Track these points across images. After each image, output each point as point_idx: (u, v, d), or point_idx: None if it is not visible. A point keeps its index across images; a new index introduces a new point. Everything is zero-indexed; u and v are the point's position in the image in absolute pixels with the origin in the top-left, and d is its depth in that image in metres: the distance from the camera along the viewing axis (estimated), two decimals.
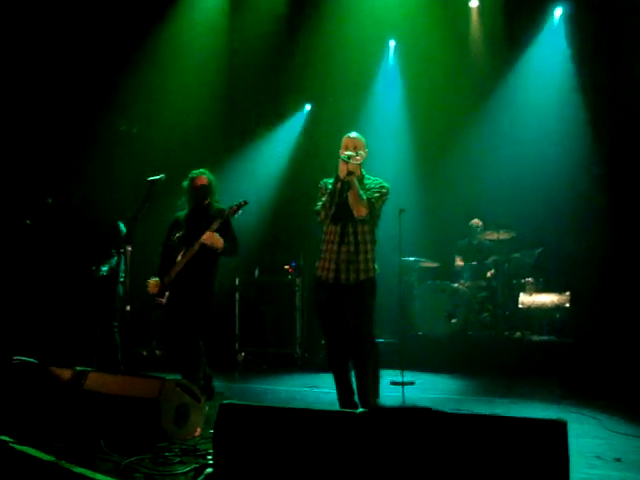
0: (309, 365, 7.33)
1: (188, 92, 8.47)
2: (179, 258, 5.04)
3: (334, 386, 4.40)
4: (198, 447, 3.48)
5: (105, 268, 6.00)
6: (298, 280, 7.81)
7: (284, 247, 8.37)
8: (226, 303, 7.80)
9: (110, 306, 5.91)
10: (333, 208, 4.20)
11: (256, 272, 8.14)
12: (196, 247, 4.90)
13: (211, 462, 2.94)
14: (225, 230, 4.96)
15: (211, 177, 5.30)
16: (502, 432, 2.16)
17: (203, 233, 4.86)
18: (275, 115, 9.17)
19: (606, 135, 7.67)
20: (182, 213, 5.30)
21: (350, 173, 4.13)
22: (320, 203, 4.27)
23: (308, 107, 9.37)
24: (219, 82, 8.84)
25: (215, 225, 4.89)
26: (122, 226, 6.16)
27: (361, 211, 4.14)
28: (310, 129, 9.16)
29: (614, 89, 7.66)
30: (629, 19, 7.38)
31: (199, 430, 3.85)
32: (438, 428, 2.19)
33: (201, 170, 5.29)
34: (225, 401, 2.62)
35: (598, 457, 3.52)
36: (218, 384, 5.53)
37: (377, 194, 4.24)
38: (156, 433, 3.57)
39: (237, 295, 7.95)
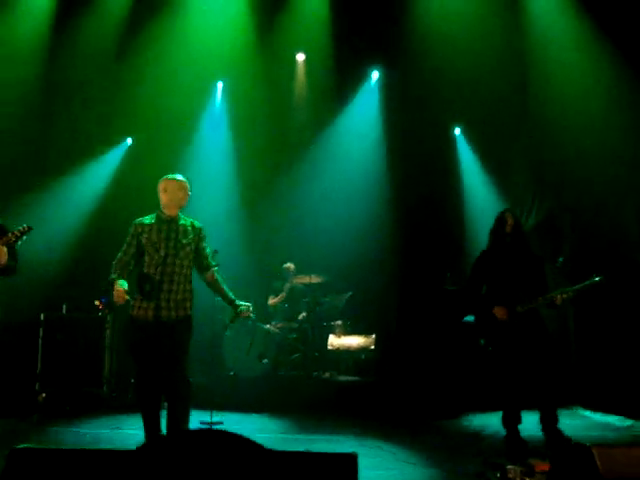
0: (117, 405, 7.05)
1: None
2: None
3: (140, 426, 4.33)
4: None
5: None
6: (109, 317, 7.53)
7: (95, 282, 8.05)
8: (27, 340, 7.31)
9: None
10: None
11: (63, 308, 7.73)
12: None
13: None
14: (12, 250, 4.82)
15: None
16: (296, 467, 2.30)
17: None
18: (93, 145, 8.84)
19: (403, 195, 8.48)
20: None
21: None
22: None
23: (129, 141, 9.21)
24: (37, 100, 8.32)
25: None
26: None
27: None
28: (129, 164, 8.98)
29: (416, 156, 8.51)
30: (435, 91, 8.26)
31: None
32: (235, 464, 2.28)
33: None
34: (18, 445, 2.48)
35: None
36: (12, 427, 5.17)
37: (199, 235, 4.51)
38: None
39: (41, 332, 7.47)
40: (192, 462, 2.30)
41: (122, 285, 4.20)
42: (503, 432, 5.19)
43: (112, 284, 4.24)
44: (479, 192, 8.85)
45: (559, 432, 5.05)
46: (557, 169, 7.72)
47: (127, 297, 4.18)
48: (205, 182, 7.72)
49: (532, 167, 8.10)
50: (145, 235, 4.37)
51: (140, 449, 2.34)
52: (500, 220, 5.33)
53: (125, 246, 4.44)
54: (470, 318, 7.19)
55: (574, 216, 7.56)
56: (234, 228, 8.16)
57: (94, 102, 8.43)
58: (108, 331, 7.40)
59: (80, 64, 8.22)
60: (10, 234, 4.69)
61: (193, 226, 4.50)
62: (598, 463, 2.52)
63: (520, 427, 5.15)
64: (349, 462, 2.35)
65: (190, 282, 4.44)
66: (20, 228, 4.71)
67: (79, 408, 6.83)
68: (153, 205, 4.57)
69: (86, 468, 2.38)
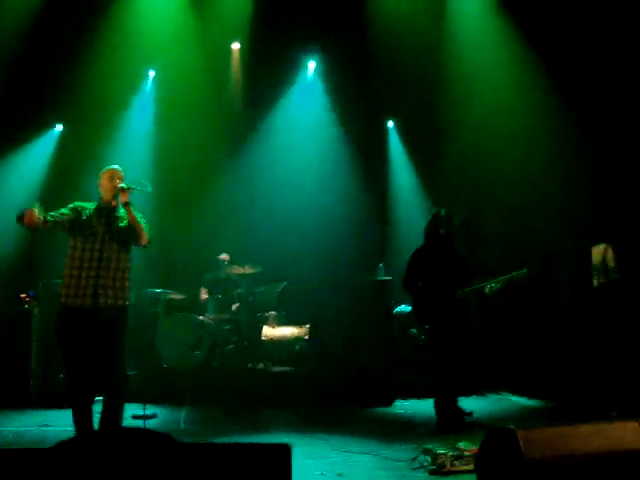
0: (44, 401, 6.81)
1: None
2: None
3: (69, 422, 4.22)
4: None
5: None
6: (36, 310, 7.28)
7: (22, 275, 7.79)
8: None
9: None
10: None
11: None
12: None
13: None
14: None
15: None
16: (229, 459, 2.30)
17: None
18: (21, 132, 8.51)
19: (336, 186, 8.56)
20: None
21: (128, 203, 4.30)
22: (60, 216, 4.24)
23: (59, 127, 8.92)
24: None
25: None
26: None
27: (144, 239, 4.36)
28: (60, 152, 8.69)
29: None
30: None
31: None
32: (166, 458, 2.26)
33: None
34: None
35: (323, 474, 3.88)
36: None
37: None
38: None
39: None
40: (115, 460, 2.26)
41: (38, 211, 4.02)
42: (434, 418, 5.35)
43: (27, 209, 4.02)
44: (405, 185, 9.11)
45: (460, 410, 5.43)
46: (479, 172, 8.00)
47: (38, 217, 4.00)
48: (139, 173, 7.59)
49: (457, 167, 8.31)
50: (85, 216, 4.30)
51: (61, 446, 2.28)
52: (436, 218, 5.57)
53: (62, 209, 4.30)
54: (401, 309, 7.39)
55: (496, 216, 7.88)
56: (167, 220, 7.99)
57: (22, 88, 8.08)
58: (35, 324, 7.16)
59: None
60: None
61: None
62: (521, 445, 2.63)
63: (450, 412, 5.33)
64: (282, 453, 2.37)
65: (127, 272, 4.36)
66: None
67: (3, 405, 6.60)
68: (85, 199, 4.51)
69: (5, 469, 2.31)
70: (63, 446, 2.28)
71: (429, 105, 8.38)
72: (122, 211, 4.42)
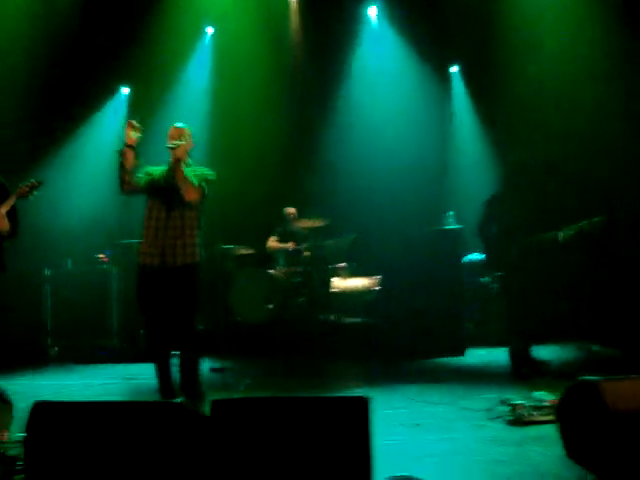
0: (127, 355, 7.14)
1: None
2: None
3: (152, 375, 4.40)
4: (7, 454, 3.27)
5: None
6: (114, 269, 7.57)
7: (98, 236, 8.07)
8: (33, 296, 7.40)
9: None
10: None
11: (69, 263, 7.77)
12: None
13: (21, 468, 2.80)
14: (12, 212, 4.52)
15: None
16: (309, 411, 2.34)
17: None
18: (91, 97, 8.70)
19: (402, 135, 8.38)
20: None
21: (177, 160, 4.27)
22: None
23: (125, 91, 9.07)
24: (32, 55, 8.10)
25: (5, 208, 4.45)
26: None
27: (191, 195, 4.29)
28: (132, 113, 8.86)
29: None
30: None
31: (6, 434, 3.62)
32: (248, 413, 2.33)
33: None
34: (38, 399, 2.52)
35: (401, 424, 3.87)
36: (28, 382, 5.26)
37: (204, 181, 4.42)
38: None
39: (48, 288, 7.54)
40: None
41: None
42: (509, 367, 5.29)
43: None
44: (468, 131, 8.85)
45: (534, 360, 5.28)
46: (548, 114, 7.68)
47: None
48: (203, 129, 7.69)
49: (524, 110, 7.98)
50: (156, 177, 4.41)
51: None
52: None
53: (138, 174, 4.43)
54: (471, 257, 7.28)
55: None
56: (231, 174, 8.04)
57: (86, 53, 8.22)
58: (114, 283, 7.45)
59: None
60: (21, 186, 4.55)
61: (197, 172, 4.45)
62: (605, 397, 2.56)
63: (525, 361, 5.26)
64: (361, 405, 2.38)
65: (195, 229, 4.40)
66: (29, 182, 4.60)
67: (91, 360, 6.96)
68: (157, 157, 4.56)
69: (102, 420, 2.45)
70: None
71: (491, 46, 8.05)
72: (189, 169, 4.40)
